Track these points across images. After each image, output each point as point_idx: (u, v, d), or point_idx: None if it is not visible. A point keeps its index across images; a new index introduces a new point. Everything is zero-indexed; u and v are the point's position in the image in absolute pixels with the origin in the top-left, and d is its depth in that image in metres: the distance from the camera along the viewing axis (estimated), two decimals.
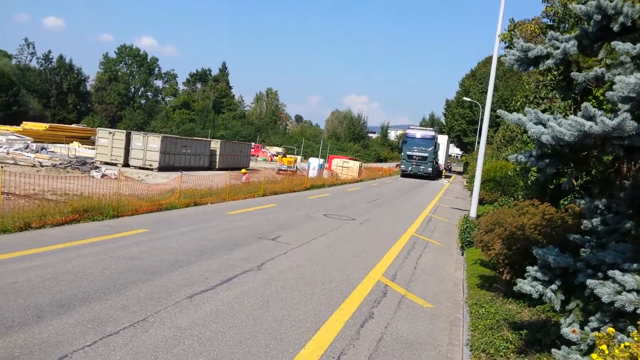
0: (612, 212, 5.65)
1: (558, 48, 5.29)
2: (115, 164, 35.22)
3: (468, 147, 74.20)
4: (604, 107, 7.36)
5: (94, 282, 7.33)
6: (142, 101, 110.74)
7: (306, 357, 5.61)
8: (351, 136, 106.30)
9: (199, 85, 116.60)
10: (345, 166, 45.73)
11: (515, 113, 4.96)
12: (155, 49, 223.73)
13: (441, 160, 61.64)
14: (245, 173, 27.37)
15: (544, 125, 4.56)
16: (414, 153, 52.55)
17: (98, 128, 41.56)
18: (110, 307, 6.46)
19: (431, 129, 61.46)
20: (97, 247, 9.42)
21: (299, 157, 59.88)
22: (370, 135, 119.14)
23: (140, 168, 35.27)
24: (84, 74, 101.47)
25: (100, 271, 7.90)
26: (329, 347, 5.96)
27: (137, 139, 36.63)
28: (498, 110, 5.30)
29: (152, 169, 35.19)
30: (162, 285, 7.54)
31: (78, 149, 42.08)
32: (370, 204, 23.29)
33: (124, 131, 38.56)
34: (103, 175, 26.90)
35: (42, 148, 38.86)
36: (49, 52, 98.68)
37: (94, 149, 39.42)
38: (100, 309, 6.33)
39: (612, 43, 4.75)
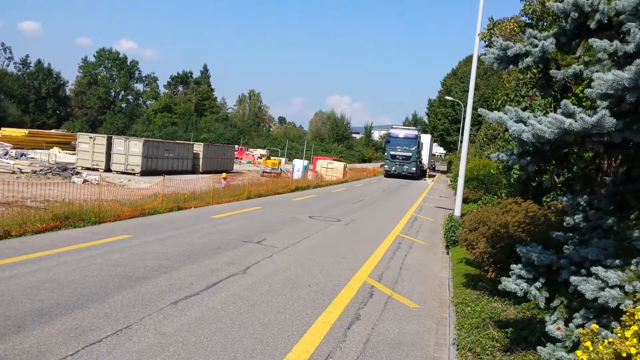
0: (593, 208, 5.69)
1: (536, 46, 5.33)
2: (96, 169, 34.80)
3: (451, 146, 74.72)
4: (583, 104, 7.43)
5: (76, 290, 7.21)
6: (123, 105, 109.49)
7: None
8: (335, 137, 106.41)
9: (180, 88, 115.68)
10: (330, 167, 45.72)
11: (495, 112, 4.98)
12: (135, 52, 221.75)
13: (425, 159, 61.32)
14: (225, 177, 26.82)
15: (525, 124, 4.59)
16: (397, 153, 52.06)
17: (78, 133, 41.11)
18: (93, 315, 6.35)
19: (414, 128, 61.10)
20: (79, 254, 9.28)
21: (283, 159, 59.65)
22: (354, 135, 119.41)
23: (122, 173, 34.89)
24: (63, 79, 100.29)
25: (82, 278, 7.78)
26: (315, 350, 5.93)
27: (119, 143, 36.24)
28: (479, 109, 5.32)
29: (134, 174, 34.83)
30: (145, 291, 7.44)
31: (58, 155, 41.55)
32: (355, 204, 23.31)
33: (105, 136, 38.10)
34: (84, 181, 26.56)
35: (22, 154, 38.28)
36: (27, 56, 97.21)
37: (74, 154, 38.92)
38: (82, 318, 6.22)
39: (590, 40, 4.79)
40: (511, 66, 5.98)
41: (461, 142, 21.47)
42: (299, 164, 40.82)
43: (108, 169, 35.58)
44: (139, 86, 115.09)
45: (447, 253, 12.80)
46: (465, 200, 19.94)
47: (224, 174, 27.80)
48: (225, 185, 24.49)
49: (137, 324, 6.18)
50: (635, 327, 3.57)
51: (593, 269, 4.59)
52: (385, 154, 54.63)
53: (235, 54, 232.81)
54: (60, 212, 12.12)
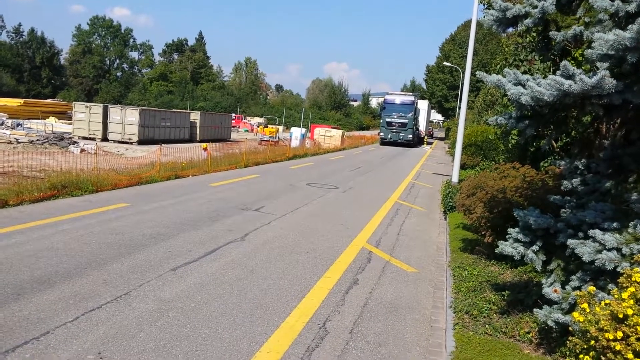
0: (591, 172, 5.68)
1: (536, 7, 5.22)
2: (93, 139, 34.58)
3: (449, 113, 74.39)
4: (582, 68, 7.35)
5: (75, 258, 7.23)
6: (118, 74, 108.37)
7: (292, 324, 5.63)
8: (333, 105, 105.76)
9: (175, 56, 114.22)
10: (328, 135, 45.50)
11: (494, 75, 4.91)
12: (129, 19, 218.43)
13: (422, 126, 59.42)
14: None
15: (523, 86, 4.53)
16: (393, 120, 49.88)
17: (74, 102, 40.61)
18: (92, 282, 6.39)
19: (411, 94, 58.88)
20: (77, 223, 9.28)
21: (280, 127, 59.30)
22: (352, 103, 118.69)
23: (119, 142, 34.71)
24: (57, 47, 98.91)
25: (81, 247, 7.80)
26: (314, 314, 5.98)
27: (115, 112, 35.93)
28: (477, 72, 5.24)
29: (131, 143, 34.66)
30: (144, 259, 7.47)
31: (55, 125, 41.24)
32: (353, 172, 23.29)
33: (101, 105, 37.74)
34: (81, 150, 26.44)
35: (18, 124, 38.00)
36: (19, 25, 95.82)
37: (71, 124, 38.62)
38: (81, 285, 6.25)
39: (590, 0, 4.69)
40: (510, 29, 5.89)
41: (459, 108, 21.33)
42: (296, 132, 40.59)
43: (105, 139, 35.38)
44: (134, 54, 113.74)
45: (445, 219, 12.85)
46: (463, 167, 19.95)
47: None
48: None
49: (136, 291, 6.22)
50: (632, 289, 3.59)
51: (590, 232, 4.60)
52: (381, 121, 52.61)
53: (230, 20, 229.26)
54: (58, 181, 12.08)
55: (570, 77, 4.17)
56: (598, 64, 4.37)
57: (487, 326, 5.70)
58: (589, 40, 4.91)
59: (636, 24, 3.75)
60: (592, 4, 4.65)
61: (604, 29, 4.59)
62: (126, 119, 35.34)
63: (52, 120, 43.88)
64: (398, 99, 51.74)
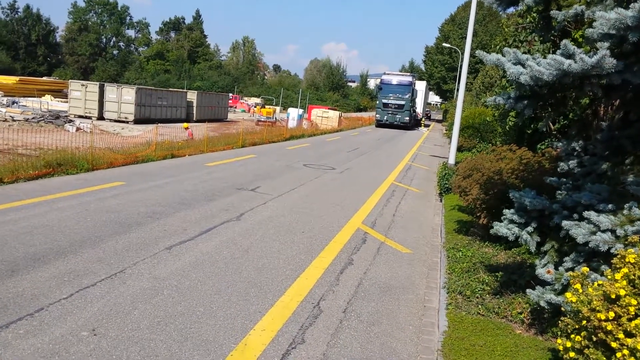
0: (588, 153, 5.66)
1: None
2: (89, 117, 34.40)
3: (447, 95, 74.07)
4: (582, 48, 7.28)
5: (70, 236, 7.21)
6: (115, 52, 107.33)
7: (286, 303, 5.64)
8: (330, 86, 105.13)
9: (172, 35, 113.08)
10: (325, 116, 45.35)
11: (494, 54, 4.85)
12: None
13: (419, 108, 58.39)
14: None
15: (523, 65, 4.48)
16: (390, 101, 48.30)
17: (70, 80, 40.26)
18: (87, 260, 6.38)
19: (408, 74, 56.95)
20: (72, 201, 9.25)
21: (277, 108, 59.10)
22: (349, 84, 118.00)
23: (115, 121, 34.52)
24: (53, 24, 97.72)
25: (76, 224, 7.78)
26: (308, 294, 6.00)
27: (111, 91, 35.68)
28: (477, 52, 5.18)
29: (127, 122, 34.48)
30: (139, 237, 7.46)
31: (50, 103, 40.99)
32: (350, 153, 23.24)
33: (97, 83, 37.47)
34: (77, 129, 26.32)
35: (14, 102, 37.78)
36: (15, 1, 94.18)
37: (66, 102, 38.40)
38: (76, 262, 6.25)
39: None
40: (511, 8, 5.82)
41: (457, 89, 21.22)
42: (293, 112, 40.44)
43: (101, 117, 35.19)
44: (131, 32, 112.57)
45: (441, 200, 12.86)
46: (459, 149, 19.90)
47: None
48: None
49: (131, 269, 6.21)
50: (625, 270, 3.59)
51: (585, 214, 4.60)
52: (377, 102, 50.94)
53: None
54: (53, 159, 12.02)
55: (570, 56, 4.13)
56: (598, 44, 4.31)
57: (479, 306, 5.72)
58: (590, 19, 4.85)
59: (638, 2, 3.70)
60: None
61: (605, 8, 4.53)
62: (122, 98, 35.12)
63: (47, 98, 43.58)
64: (395, 79, 49.84)
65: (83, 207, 8.82)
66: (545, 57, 4.46)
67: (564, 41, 4.12)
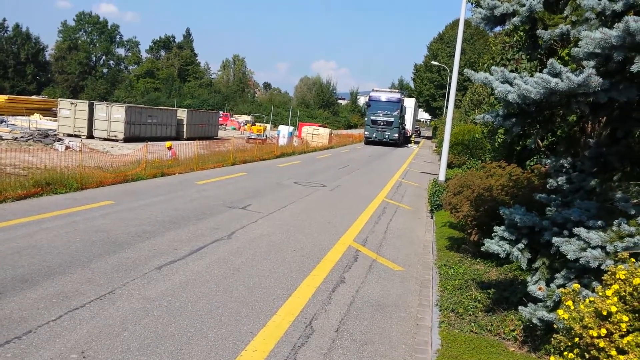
0: (577, 170, 5.72)
1: (524, 5, 5.24)
2: (78, 136, 34.23)
3: (437, 112, 74.64)
4: (569, 67, 7.39)
5: (58, 256, 7.13)
6: (104, 70, 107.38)
7: (278, 323, 5.60)
8: (321, 103, 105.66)
9: (162, 53, 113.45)
10: (316, 133, 45.49)
11: (482, 72, 4.92)
12: (116, 16, 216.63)
13: (408, 124, 57.83)
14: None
15: (510, 84, 4.53)
16: (378, 118, 47.69)
17: (59, 99, 40.23)
18: (76, 280, 6.30)
19: (397, 90, 56.50)
20: (61, 220, 9.17)
21: (268, 125, 59.19)
22: (339, 101, 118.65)
23: (105, 139, 34.41)
24: (43, 43, 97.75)
25: (65, 244, 7.70)
26: (300, 313, 5.95)
27: (101, 109, 35.61)
28: (465, 70, 5.24)
29: (117, 140, 34.38)
30: (129, 257, 7.39)
31: (39, 121, 40.80)
32: (341, 170, 23.29)
33: (87, 102, 37.42)
34: (67, 148, 26.16)
35: (2, 121, 37.60)
36: (4, 20, 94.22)
37: (56, 120, 38.22)
38: (65, 283, 6.17)
39: None
40: (498, 27, 5.90)
41: (446, 107, 21.40)
42: (284, 130, 40.53)
43: (90, 136, 35.06)
44: (121, 51, 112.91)
45: (432, 217, 12.88)
46: (449, 165, 20.02)
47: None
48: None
49: (121, 289, 6.14)
50: (616, 286, 3.61)
51: (575, 230, 4.62)
52: (366, 119, 50.33)
53: (218, 18, 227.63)
54: (42, 179, 11.94)
55: (557, 75, 4.19)
56: (584, 62, 4.39)
57: (472, 324, 5.71)
58: (575, 39, 4.93)
59: (622, 23, 3.77)
60: (579, 2, 4.68)
61: (590, 28, 4.61)
62: (112, 116, 35.06)
63: (36, 117, 43.38)
64: (384, 96, 49.36)
65: (72, 227, 8.74)
66: (532, 76, 4.52)
67: (551, 60, 4.18)
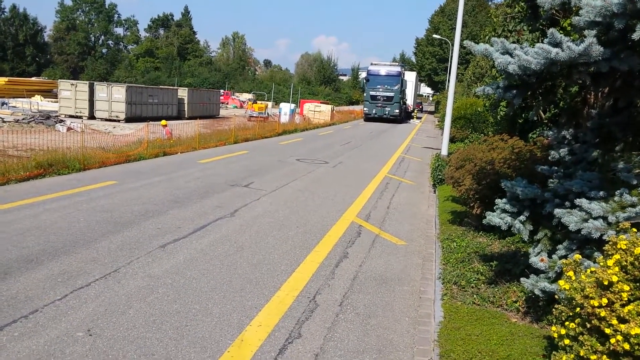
0: (579, 141, 5.68)
1: None
2: (80, 117, 34.15)
3: (439, 86, 74.09)
4: (570, 37, 7.29)
5: (63, 236, 7.18)
6: (104, 50, 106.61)
7: (282, 298, 5.65)
8: (322, 79, 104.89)
9: (161, 32, 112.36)
10: (317, 110, 45.23)
11: (482, 44, 4.85)
12: None
13: (410, 99, 55.83)
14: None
15: (511, 55, 4.48)
16: (378, 93, 45.43)
17: (60, 80, 39.96)
18: (80, 260, 6.35)
19: (397, 64, 52.61)
20: (65, 201, 9.20)
21: (269, 103, 58.93)
22: (341, 78, 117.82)
23: (106, 120, 34.32)
24: (41, 24, 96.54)
25: (69, 225, 7.74)
26: (304, 288, 6.00)
27: (101, 89, 35.41)
28: (465, 42, 5.17)
29: (119, 120, 34.28)
30: (133, 236, 7.44)
31: (40, 103, 40.65)
32: (343, 146, 23.24)
33: (87, 82, 37.20)
34: (68, 129, 26.14)
35: (3, 103, 37.51)
36: (1, 1, 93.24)
37: (57, 102, 38.08)
38: (69, 263, 6.22)
39: None
40: None
41: (448, 81, 21.22)
42: (285, 107, 40.35)
43: (92, 116, 34.96)
44: (119, 30, 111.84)
45: (434, 191, 12.88)
46: (452, 140, 19.95)
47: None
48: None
49: (125, 268, 6.20)
50: (617, 256, 3.61)
51: (577, 201, 4.62)
52: (365, 94, 47.88)
53: None
54: (44, 160, 11.96)
55: (557, 44, 4.14)
56: (586, 31, 4.32)
57: (475, 296, 5.75)
58: (577, 7, 4.85)
59: None
60: None
61: None
62: (113, 97, 34.89)
63: (37, 98, 43.22)
64: (383, 70, 46.84)
65: (75, 208, 8.78)
66: (533, 46, 4.46)
67: (551, 30, 4.13)
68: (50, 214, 8.32)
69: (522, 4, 10.11)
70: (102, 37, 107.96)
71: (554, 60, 4.06)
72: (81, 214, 8.39)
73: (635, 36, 3.79)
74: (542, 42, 4.47)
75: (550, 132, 6.17)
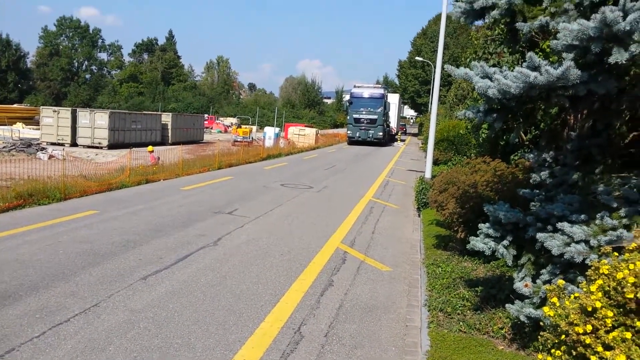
0: (559, 164, 5.72)
1: None
2: (62, 144, 33.87)
3: (422, 108, 74.83)
4: (550, 59, 7.39)
5: (41, 270, 7.02)
6: (87, 76, 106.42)
7: (266, 330, 5.54)
8: (306, 103, 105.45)
9: (145, 56, 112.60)
10: (302, 134, 45.26)
11: (462, 68, 4.89)
12: (97, 19, 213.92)
13: (393, 122, 55.68)
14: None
15: (490, 79, 4.51)
16: (361, 115, 44.87)
17: (42, 107, 39.70)
18: (60, 294, 6.20)
19: (380, 86, 52.82)
20: (44, 232, 9.03)
21: (254, 127, 58.87)
22: (325, 100, 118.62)
23: (89, 147, 34.03)
24: (23, 50, 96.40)
25: (48, 257, 7.58)
26: (289, 318, 5.91)
27: (84, 116, 35.19)
28: (446, 66, 5.22)
29: (101, 147, 34.03)
30: (114, 268, 7.29)
31: (22, 130, 40.29)
32: (327, 170, 23.25)
33: (70, 109, 36.98)
34: (50, 157, 25.85)
35: None
36: None
37: (38, 129, 37.75)
38: (48, 298, 6.06)
39: None
40: (479, 21, 5.87)
41: (431, 103, 21.44)
42: (270, 131, 40.38)
43: (74, 143, 34.67)
44: (103, 55, 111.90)
45: (419, 215, 12.89)
46: (436, 162, 20.06)
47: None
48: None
49: (106, 302, 6.05)
50: (600, 281, 3.59)
51: (559, 225, 4.62)
52: (348, 117, 47.20)
53: (201, 18, 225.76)
54: (24, 190, 11.77)
55: (536, 68, 4.17)
56: (564, 54, 4.37)
57: (461, 323, 5.70)
58: (555, 30, 4.93)
59: (599, 14, 3.76)
60: None
61: (569, 19, 4.59)
62: (95, 123, 34.68)
63: (19, 126, 42.84)
64: (366, 92, 46.34)
65: (55, 239, 8.61)
66: (513, 69, 4.50)
67: (529, 54, 4.17)
68: (30, 246, 8.15)
69: (502, 26, 10.27)
70: (86, 62, 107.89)
71: (532, 84, 4.09)
72: (61, 246, 8.22)
73: (611, 60, 3.84)
74: (522, 64, 4.51)
75: (531, 155, 6.22)
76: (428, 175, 15.36)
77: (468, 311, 6.01)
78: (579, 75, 4.10)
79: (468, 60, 13.67)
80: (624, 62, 3.83)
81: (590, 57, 4.24)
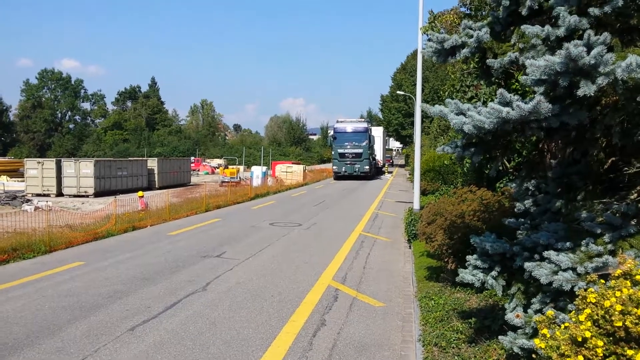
0: (542, 192, 5.75)
1: (472, 36, 5.35)
2: (48, 195, 33.61)
3: (407, 140, 75.56)
4: (527, 89, 7.52)
5: (26, 327, 6.85)
6: (71, 126, 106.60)
7: None
8: (292, 140, 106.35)
9: (129, 104, 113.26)
10: (289, 171, 45.43)
11: (437, 106, 4.96)
12: (79, 70, 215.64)
13: (379, 155, 55.91)
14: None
15: (465, 115, 4.58)
16: (346, 150, 44.73)
17: (26, 159, 39.55)
18: (45, 351, 6.04)
19: (363, 120, 52.68)
20: (29, 288, 8.85)
21: (241, 167, 59.08)
22: (311, 137, 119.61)
23: (75, 196, 33.77)
24: (6, 104, 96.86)
25: (33, 313, 7.41)
26: None
27: (69, 165, 35.05)
28: (421, 105, 5.29)
29: (87, 196, 33.79)
30: (100, 320, 7.14)
31: (6, 183, 39.96)
32: (316, 207, 23.22)
33: (54, 159, 36.85)
34: (36, 208, 25.58)
35: None
36: None
37: (23, 181, 37.48)
38: (32, 356, 5.90)
39: (522, 27, 4.83)
40: (450, 59, 6.00)
41: (415, 135, 21.70)
42: (257, 170, 40.45)
43: (60, 193, 34.41)
44: (86, 105, 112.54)
45: (409, 247, 12.85)
46: (423, 192, 20.16)
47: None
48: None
49: (92, 356, 5.90)
50: (588, 310, 3.58)
51: (545, 254, 4.61)
52: (333, 152, 46.90)
53: (182, 64, 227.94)
54: (7, 245, 11.59)
55: (507, 104, 4.25)
56: (535, 88, 4.46)
57: (456, 357, 5.62)
58: (524, 65, 5.04)
59: (564, 49, 3.85)
60: (524, 30, 4.79)
61: (537, 54, 4.70)
62: (81, 172, 34.52)
63: (3, 179, 42.48)
64: (350, 127, 46.33)
65: (40, 294, 8.44)
66: (490, 101, 4.58)
67: (500, 90, 4.25)
68: (14, 302, 7.97)
69: (477, 59, 10.49)
70: (69, 112, 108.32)
71: (505, 119, 4.15)
72: (46, 301, 8.05)
73: (580, 92, 3.92)
74: (495, 100, 4.59)
75: (514, 185, 6.26)
76: (416, 206, 15.40)
77: (463, 344, 5.94)
78: (550, 109, 4.17)
79: (446, 93, 13.91)
80: (592, 94, 3.91)
81: (559, 91, 4.32)
